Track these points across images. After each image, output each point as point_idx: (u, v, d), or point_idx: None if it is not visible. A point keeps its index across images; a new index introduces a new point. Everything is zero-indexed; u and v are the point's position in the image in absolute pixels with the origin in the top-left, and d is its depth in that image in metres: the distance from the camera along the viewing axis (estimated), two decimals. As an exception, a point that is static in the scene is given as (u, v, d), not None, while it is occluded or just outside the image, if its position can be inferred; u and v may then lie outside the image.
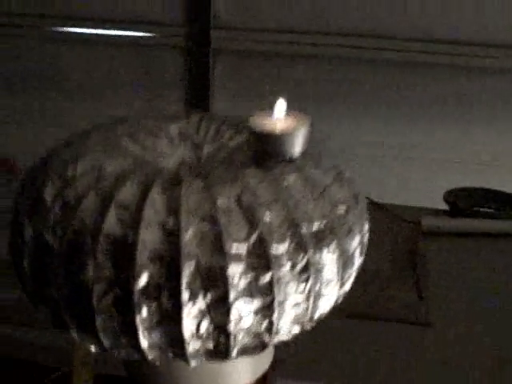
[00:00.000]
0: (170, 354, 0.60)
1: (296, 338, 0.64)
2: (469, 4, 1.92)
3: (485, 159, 2.08)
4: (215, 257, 0.57)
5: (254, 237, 0.58)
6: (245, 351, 0.60)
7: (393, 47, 2.01)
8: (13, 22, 2.14)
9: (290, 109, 0.66)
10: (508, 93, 2.01)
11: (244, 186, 0.60)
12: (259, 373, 0.73)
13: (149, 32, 2.10)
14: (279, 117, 0.65)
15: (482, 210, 1.72)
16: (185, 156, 0.71)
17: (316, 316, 0.63)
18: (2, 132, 2.16)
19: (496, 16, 1.93)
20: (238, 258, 0.57)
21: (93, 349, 0.62)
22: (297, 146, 0.64)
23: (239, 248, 0.57)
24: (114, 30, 2.08)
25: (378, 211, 1.83)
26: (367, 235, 0.67)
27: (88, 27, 2.12)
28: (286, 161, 0.64)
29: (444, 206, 1.70)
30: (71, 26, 2.11)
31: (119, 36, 2.10)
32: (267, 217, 0.59)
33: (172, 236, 0.57)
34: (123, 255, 0.57)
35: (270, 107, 0.66)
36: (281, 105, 0.66)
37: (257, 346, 0.60)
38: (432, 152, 2.10)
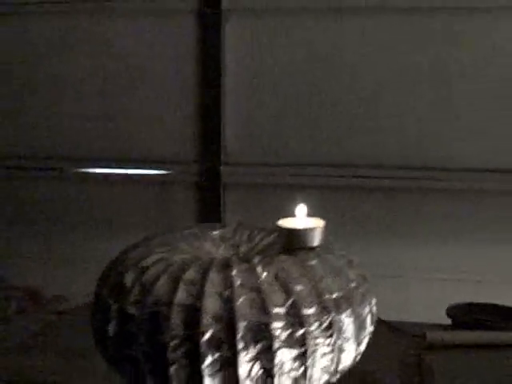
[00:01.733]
0: (227, 399, 0.77)
1: None
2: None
3: (485, 277, 2.20)
4: (261, 316, 0.75)
5: (289, 302, 0.77)
6: (285, 395, 0.77)
7: (383, 175, 2.21)
8: (34, 164, 2.39)
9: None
10: (505, 215, 2.19)
11: (279, 267, 0.80)
12: None
13: (163, 170, 2.34)
14: (301, 218, 0.86)
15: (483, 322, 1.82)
16: (226, 254, 0.91)
17: (339, 367, 0.80)
18: (29, 267, 2.33)
19: (494, 142, 2.15)
20: (278, 317, 0.76)
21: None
22: (316, 239, 0.84)
23: (279, 310, 0.76)
24: (132, 169, 2.34)
25: (384, 327, 1.94)
26: (375, 308, 0.86)
27: (105, 167, 2.37)
28: (307, 249, 0.84)
29: (446, 321, 1.80)
30: (91, 167, 2.36)
31: (136, 174, 2.34)
32: (298, 288, 0.78)
33: (228, 303, 0.76)
34: (192, 318, 0.76)
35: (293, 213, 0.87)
36: (302, 208, 0.87)
37: (295, 390, 0.78)
38: (434, 271, 2.24)
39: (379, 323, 1.94)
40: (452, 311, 1.87)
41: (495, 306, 1.87)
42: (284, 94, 2.26)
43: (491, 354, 1.72)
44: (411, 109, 2.15)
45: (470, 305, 1.89)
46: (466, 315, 1.87)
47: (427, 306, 2.06)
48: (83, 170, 2.37)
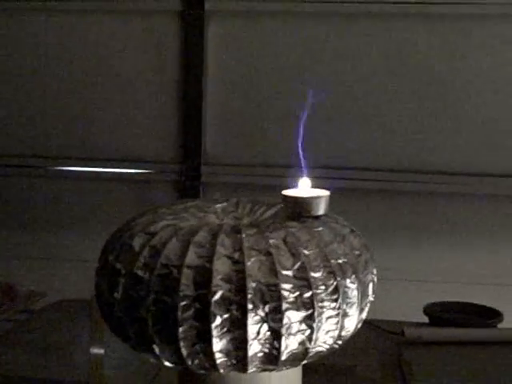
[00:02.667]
0: (233, 361, 0.78)
1: None
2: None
3: (459, 279, 2.24)
4: (271, 278, 0.77)
5: (297, 265, 0.78)
6: (291, 358, 0.79)
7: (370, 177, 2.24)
8: (13, 162, 2.38)
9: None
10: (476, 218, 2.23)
11: (287, 232, 0.81)
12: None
13: (143, 169, 2.34)
14: (305, 189, 0.88)
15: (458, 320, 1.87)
16: (231, 223, 0.92)
17: (343, 333, 0.82)
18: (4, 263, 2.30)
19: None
20: (286, 279, 0.77)
21: (168, 363, 0.80)
22: (321, 208, 0.86)
23: (287, 272, 0.77)
24: (113, 168, 2.34)
25: (364, 325, 1.97)
26: (376, 278, 0.88)
27: (85, 166, 2.37)
28: (313, 217, 0.85)
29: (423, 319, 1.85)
30: (73, 166, 2.36)
31: (117, 173, 2.35)
32: (306, 252, 0.79)
33: (238, 264, 0.77)
34: (202, 279, 0.77)
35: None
36: (306, 181, 0.88)
37: (300, 352, 0.79)
38: (411, 273, 2.26)
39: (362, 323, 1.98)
40: (429, 309, 1.92)
41: (469, 304, 1.93)
42: (265, 95, 2.29)
43: (465, 349, 1.77)
44: (400, 113, 2.20)
45: (446, 303, 1.94)
46: (442, 313, 1.92)
47: (405, 306, 2.09)
48: (63, 168, 2.37)
